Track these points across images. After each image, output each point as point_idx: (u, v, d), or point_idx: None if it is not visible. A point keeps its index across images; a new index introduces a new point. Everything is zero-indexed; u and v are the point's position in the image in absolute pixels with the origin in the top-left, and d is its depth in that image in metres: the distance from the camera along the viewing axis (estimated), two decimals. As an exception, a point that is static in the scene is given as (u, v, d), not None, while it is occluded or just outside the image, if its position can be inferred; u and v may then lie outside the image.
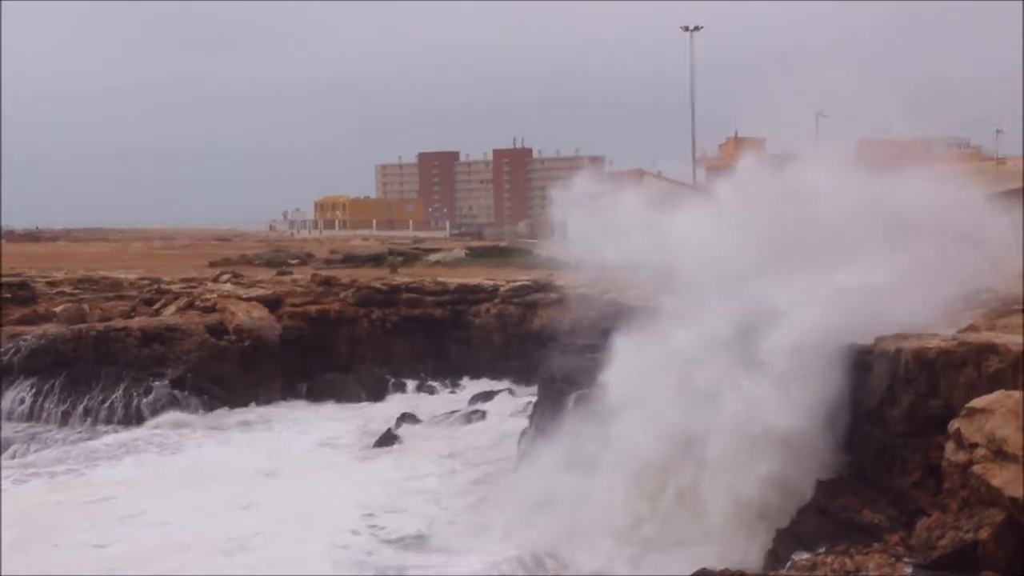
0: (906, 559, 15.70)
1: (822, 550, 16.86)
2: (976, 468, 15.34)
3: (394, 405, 37.81)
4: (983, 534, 14.93)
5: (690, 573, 16.53)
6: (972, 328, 19.85)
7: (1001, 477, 14.99)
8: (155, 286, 45.51)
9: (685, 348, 21.34)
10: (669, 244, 23.72)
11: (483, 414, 35.16)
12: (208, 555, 22.38)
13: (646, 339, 22.48)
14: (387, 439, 32.98)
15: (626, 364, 22.75)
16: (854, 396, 19.44)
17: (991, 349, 17.72)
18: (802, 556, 16.74)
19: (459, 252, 65.44)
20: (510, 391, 37.95)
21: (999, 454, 15.17)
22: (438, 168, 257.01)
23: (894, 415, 18.52)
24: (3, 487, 27.74)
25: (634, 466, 21.57)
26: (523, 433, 29.06)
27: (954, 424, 16.19)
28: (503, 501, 24.99)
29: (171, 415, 35.67)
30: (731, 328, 20.76)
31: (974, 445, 15.54)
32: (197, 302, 41.60)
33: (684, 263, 22.97)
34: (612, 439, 22.27)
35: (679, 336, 21.60)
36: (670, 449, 21.10)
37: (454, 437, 33.42)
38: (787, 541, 18.36)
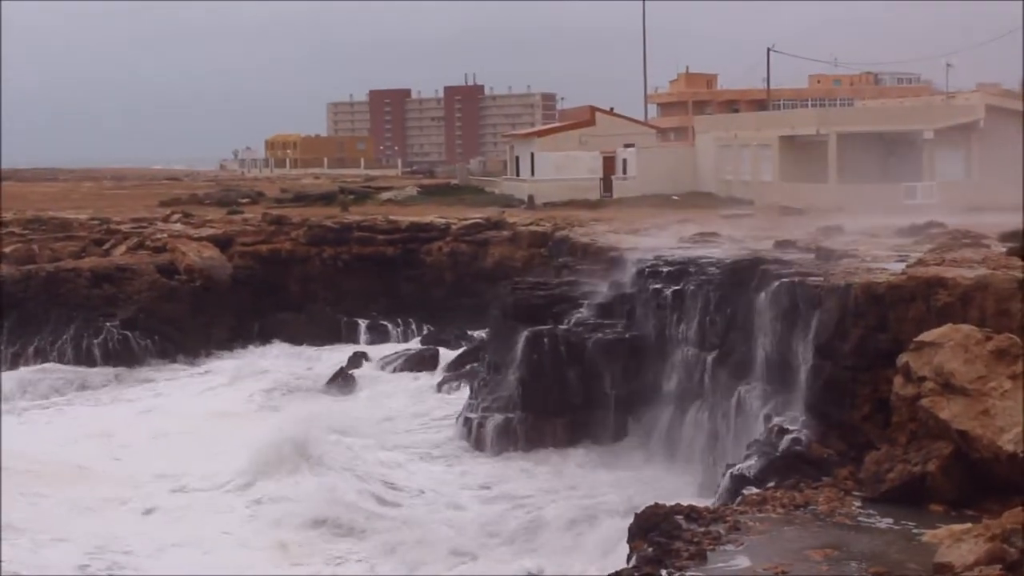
0: (855, 492, 15.83)
1: (771, 484, 16.96)
2: (924, 401, 15.46)
3: (345, 345, 37.87)
4: (931, 467, 15.07)
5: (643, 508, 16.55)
6: (921, 263, 19.98)
7: (949, 410, 15.12)
8: (105, 226, 45.09)
9: None
10: None
11: (435, 353, 35.16)
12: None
13: None
14: (339, 379, 32.88)
15: None
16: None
17: (940, 283, 17.82)
18: (751, 491, 16.80)
19: (411, 190, 65.00)
20: (461, 330, 37.95)
21: (947, 387, 15.29)
22: (390, 106, 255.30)
23: (844, 349, 18.62)
24: None
25: None
26: (474, 372, 29.10)
27: (903, 358, 16.29)
28: None
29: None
30: None
31: (922, 379, 15.64)
32: (147, 242, 41.30)
33: None
34: None
35: None
36: None
37: (404, 377, 33.47)
38: (737, 476, 18.46)
